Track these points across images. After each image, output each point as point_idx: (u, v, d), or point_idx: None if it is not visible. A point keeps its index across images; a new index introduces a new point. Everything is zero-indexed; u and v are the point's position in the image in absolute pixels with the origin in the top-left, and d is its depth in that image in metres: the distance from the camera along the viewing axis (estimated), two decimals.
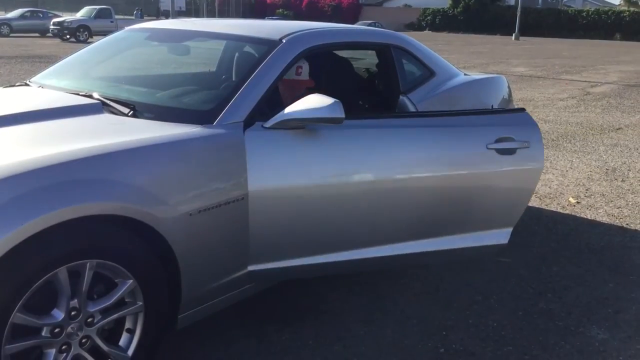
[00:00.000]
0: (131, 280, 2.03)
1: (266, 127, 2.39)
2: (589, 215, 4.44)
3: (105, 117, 2.44)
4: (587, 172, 5.66)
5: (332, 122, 2.37)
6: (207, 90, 3.01)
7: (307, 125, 2.41)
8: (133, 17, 31.90)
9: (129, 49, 3.51)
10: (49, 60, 14.41)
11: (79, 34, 24.49)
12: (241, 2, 56.06)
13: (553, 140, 7.12)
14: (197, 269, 2.22)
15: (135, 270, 2.03)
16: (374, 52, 3.50)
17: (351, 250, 2.64)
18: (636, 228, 4.19)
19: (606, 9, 51.71)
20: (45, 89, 2.93)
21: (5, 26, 26.12)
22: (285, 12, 53.77)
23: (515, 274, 3.37)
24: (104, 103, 2.54)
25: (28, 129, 2.26)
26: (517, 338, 2.72)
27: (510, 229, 2.99)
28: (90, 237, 1.91)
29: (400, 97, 3.21)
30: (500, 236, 2.96)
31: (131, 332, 2.13)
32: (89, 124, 2.35)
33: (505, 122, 2.88)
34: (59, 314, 1.89)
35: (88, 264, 1.90)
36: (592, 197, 4.89)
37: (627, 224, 4.26)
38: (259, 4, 59.65)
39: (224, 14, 50.32)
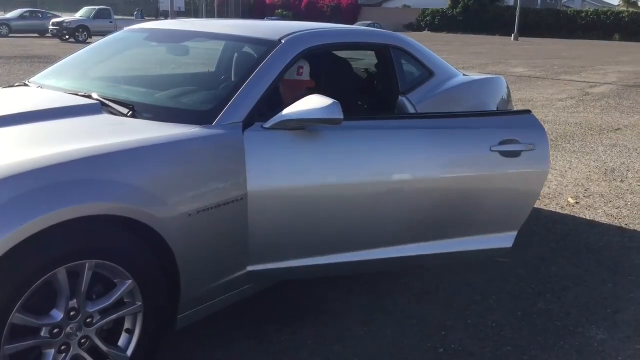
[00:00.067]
0: (130, 281, 2.03)
1: (266, 128, 2.39)
2: (588, 215, 4.45)
3: (105, 118, 2.44)
4: (586, 173, 5.67)
5: (330, 123, 2.37)
6: (206, 91, 3.01)
7: (306, 126, 2.41)
8: (134, 18, 31.89)
9: (128, 49, 3.51)
10: (48, 60, 14.40)
11: (78, 35, 24.47)
12: (240, 3, 56.07)
13: (552, 140, 7.12)
14: (196, 270, 2.22)
15: (135, 270, 2.03)
16: (373, 52, 3.50)
17: (351, 251, 2.63)
18: (635, 228, 4.20)
19: (605, 9, 51.77)
20: (45, 89, 2.93)
21: (4, 26, 26.10)
22: (284, 13, 53.79)
23: (514, 274, 3.37)
24: (103, 103, 2.54)
25: (27, 129, 2.26)
26: (516, 338, 2.72)
27: (515, 233, 2.95)
28: (90, 238, 1.91)
29: (400, 97, 3.22)
30: (504, 240, 2.92)
31: (130, 332, 2.13)
32: (88, 125, 2.35)
33: (510, 124, 2.85)
34: (58, 315, 1.89)
35: (87, 265, 1.90)
36: (591, 197, 4.89)
37: (626, 225, 4.27)
38: (258, 5, 59.66)
39: (223, 14, 50.33)
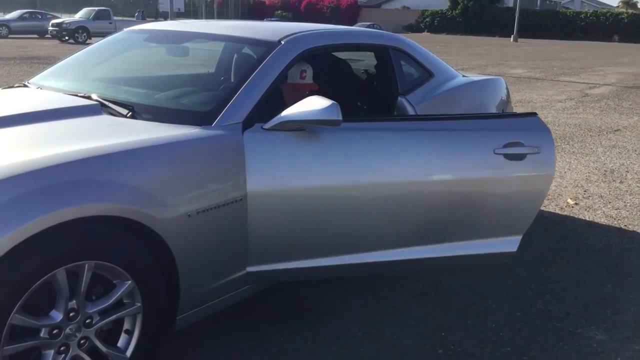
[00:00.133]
0: (129, 282, 2.03)
1: (265, 129, 2.39)
2: (587, 216, 4.45)
3: (104, 119, 2.44)
4: (586, 174, 5.67)
5: (329, 125, 2.36)
6: (205, 92, 3.01)
7: (306, 127, 2.41)
8: (135, 19, 31.87)
9: (128, 50, 3.51)
10: (48, 61, 14.40)
11: (78, 36, 24.46)
12: (240, 4, 56.09)
13: None
14: (195, 270, 2.22)
15: (134, 271, 2.03)
16: (372, 53, 3.50)
17: (352, 254, 2.61)
18: (634, 229, 4.20)
19: (604, 10, 51.83)
20: (44, 90, 2.93)
21: (3, 27, 26.08)
22: (283, 14, 53.81)
23: (513, 274, 3.37)
24: (102, 104, 2.55)
25: (27, 130, 2.26)
26: (516, 339, 2.72)
27: (519, 237, 2.91)
28: (89, 239, 1.91)
29: (399, 98, 3.22)
30: (508, 244, 2.88)
31: (130, 333, 2.13)
32: (87, 125, 2.35)
33: (514, 127, 2.81)
34: (57, 315, 1.89)
35: (86, 265, 1.91)
36: (591, 198, 4.90)
37: (625, 225, 4.27)
38: (258, 6, 59.69)
39: (222, 15, 50.34)
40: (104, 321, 2.02)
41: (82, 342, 1.98)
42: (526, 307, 3.02)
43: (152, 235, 2.05)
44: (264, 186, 2.32)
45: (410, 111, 3.19)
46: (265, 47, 2.75)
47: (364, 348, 2.60)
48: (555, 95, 11.67)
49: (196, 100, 2.80)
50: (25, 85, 3.10)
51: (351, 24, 31.41)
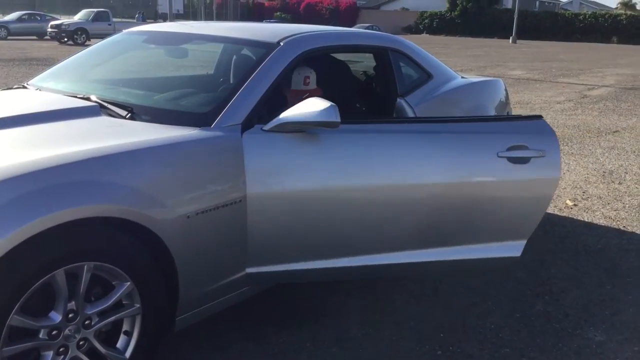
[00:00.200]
0: (128, 283, 2.03)
1: (265, 130, 2.39)
2: (586, 217, 4.46)
3: (103, 120, 2.44)
4: (584, 175, 5.68)
5: (327, 126, 2.36)
6: (204, 93, 3.01)
7: (305, 128, 2.41)
8: (135, 20, 31.89)
9: (127, 51, 3.51)
10: (47, 63, 14.40)
11: (77, 37, 24.44)
12: (239, 5, 56.12)
13: None
14: (194, 271, 2.22)
15: (133, 272, 2.03)
16: (371, 55, 3.51)
17: (351, 256, 2.59)
18: (633, 230, 4.20)
19: (603, 12, 51.89)
20: (43, 91, 2.93)
21: (2, 29, 26.07)
22: (283, 15, 53.82)
23: (512, 276, 3.38)
24: (101, 106, 2.55)
25: (26, 132, 2.26)
26: (515, 340, 2.72)
27: (524, 242, 2.84)
28: (88, 240, 1.91)
29: (398, 99, 3.22)
30: (512, 249, 2.82)
31: (129, 334, 2.13)
32: (86, 127, 2.36)
33: (519, 130, 2.75)
34: (56, 316, 1.89)
35: (85, 266, 1.90)
36: (589, 199, 4.90)
37: (624, 226, 4.27)
38: (257, 7, 59.72)
39: (221, 16, 50.36)
40: (103, 322, 2.02)
41: (81, 343, 1.98)
42: (525, 308, 3.02)
43: (151, 236, 2.04)
44: (263, 187, 2.32)
45: (409, 112, 3.19)
46: (264, 48, 2.75)
47: (363, 349, 2.59)
48: (554, 96, 11.69)
49: (195, 102, 2.80)
50: (24, 87, 3.10)
51: (350, 26, 31.42)
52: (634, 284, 3.35)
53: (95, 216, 1.89)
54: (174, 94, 2.88)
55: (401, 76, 3.32)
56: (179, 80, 3.44)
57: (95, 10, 26.44)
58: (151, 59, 3.77)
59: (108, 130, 2.33)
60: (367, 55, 3.73)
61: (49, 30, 25.03)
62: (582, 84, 14.16)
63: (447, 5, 51.74)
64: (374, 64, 3.60)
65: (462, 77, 3.85)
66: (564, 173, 5.71)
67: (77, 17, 26.53)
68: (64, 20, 27.12)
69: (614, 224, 4.32)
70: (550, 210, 4.59)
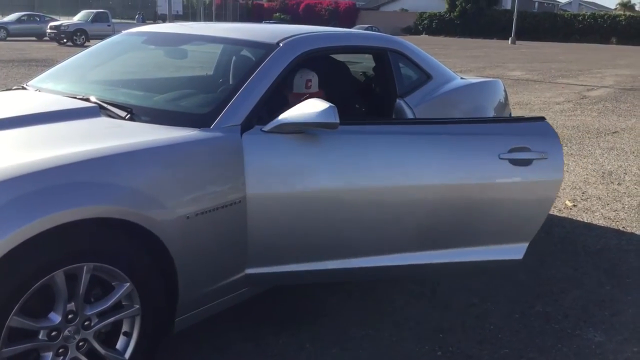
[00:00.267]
0: (128, 284, 2.03)
1: (264, 131, 2.39)
2: (585, 218, 4.46)
3: (102, 121, 2.44)
4: (584, 176, 5.68)
5: (326, 127, 2.35)
6: (204, 94, 3.01)
7: (304, 129, 2.41)
8: (135, 21, 31.88)
9: (126, 52, 3.51)
10: (46, 64, 14.40)
11: (76, 38, 24.43)
12: (238, 6, 56.12)
13: None
14: (194, 272, 2.22)
15: (132, 273, 2.03)
16: (370, 56, 3.51)
17: (351, 258, 2.58)
18: (632, 231, 4.20)
19: (602, 13, 51.92)
20: (43, 92, 2.93)
21: (2, 30, 26.06)
22: (282, 16, 53.83)
23: (512, 276, 3.37)
24: (101, 106, 2.55)
25: (25, 133, 2.26)
26: (514, 341, 2.72)
27: (526, 244, 2.83)
28: (87, 240, 1.91)
29: (397, 100, 3.22)
30: (514, 251, 2.81)
31: (128, 335, 2.13)
32: (86, 128, 2.36)
33: (521, 132, 2.74)
34: (56, 317, 1.89)
35: (85, 267, 1.90)
36: (589, 200, 4.91)
37: (623, 227, 4.28)
38: (256, 8, 59.72)
39: (221, 17, 50.36)
40: (103, 323, 2.02)
41: (80, 344, 1.98)
42: (525, 308, 3.02)
43: (150, 237, 2.04)
44: (263, 188, 2.32)
45: (409, 113, 3.19)
46: (263, 49, 2.75)
47: (363, 350, 2.59)
48: (553, 97, 11.69)
49: (195, 103, 2.80)
50: (23, 88, 3.10)
51: (349, 27, 31.43)
52: (633, 284, 3.35)
53: (95, 217, 1.88)
54: (174, 94, 2.88)
55: (400, 77, 3.32)
56: (178, 81, 3.44)
57: (95, 11, 26.42)
58: (151, 60, 3.77)
59: (107, 131, 2.33)
60: (367, 56, 3.73)
61: (48, 31, 25.02)
62: (582, 85, 14.17)
63: (446, 6, 51.75)
64: (373, 64, 3.60)
65: (462, 78, 3.85)
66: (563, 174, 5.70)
67: (77, 18, 26.51)
68: (63, 21, 27.12)
69: (614, 224, 4.33)
70: (549, 210, 4.58)
